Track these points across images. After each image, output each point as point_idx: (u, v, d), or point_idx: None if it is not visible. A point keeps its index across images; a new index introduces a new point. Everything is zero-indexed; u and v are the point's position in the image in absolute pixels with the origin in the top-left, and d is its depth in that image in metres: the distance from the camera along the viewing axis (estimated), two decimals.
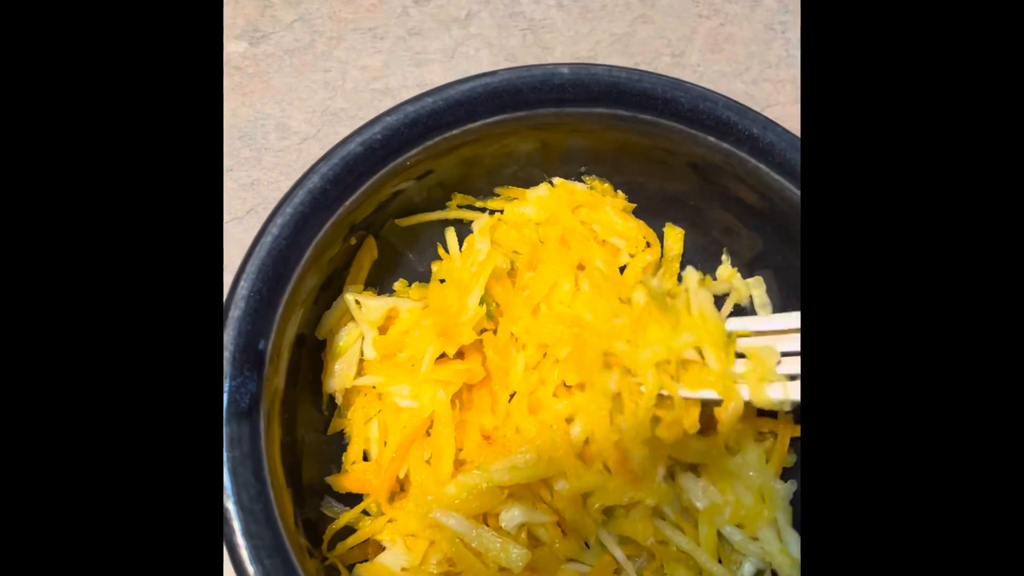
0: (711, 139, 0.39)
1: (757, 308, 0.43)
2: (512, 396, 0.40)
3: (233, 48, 0.51)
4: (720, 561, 0.40)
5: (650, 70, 0.53)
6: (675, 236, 0.44)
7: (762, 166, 0.39)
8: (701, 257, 0.45)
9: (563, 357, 0.38)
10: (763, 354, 0.36)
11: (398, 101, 0.51)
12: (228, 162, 0.49)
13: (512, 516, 0.37)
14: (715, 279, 0.44)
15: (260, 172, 0.49)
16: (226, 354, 0.34)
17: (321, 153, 0.49)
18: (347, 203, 0.37)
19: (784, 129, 0.39)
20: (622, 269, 0.43)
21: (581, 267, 0.42)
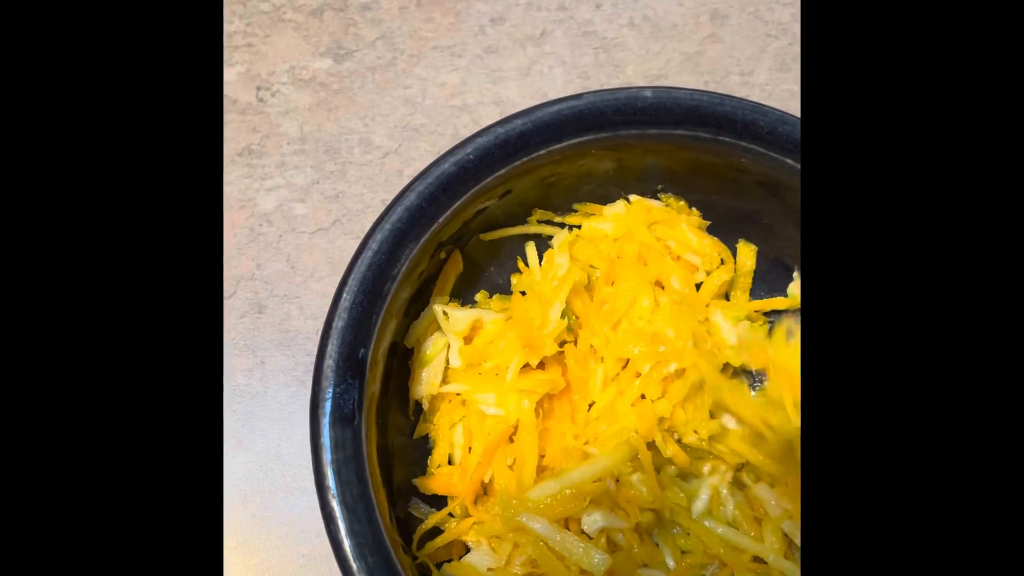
0: (789, 161, 0.40)
1: None
2: (591, 406, 0.41)
3: (319, 65, 0.53)
4: None
5: (719, 89, 0.55)
6: (748, 253, 0.45)
7: None
8: (773, 275, 0.46)
9: (645, 372, 0.40)
10: None
11: (475, 117, 0.53)
12: (314, 175, 0.51)
13: (594, 520, 0.39)
14: (786, 295, 0.45)
15: (344, 185, 0.51)
16: (329, 362, 0.36)
17: (402, 167, 0.52)
18: (440, 220, 0.39)
19: None
20: (697, 286, 0.45)
21: (659, 283, 0.44)
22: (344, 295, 0.37)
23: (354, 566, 0.33)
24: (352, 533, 0.34)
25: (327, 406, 0.35)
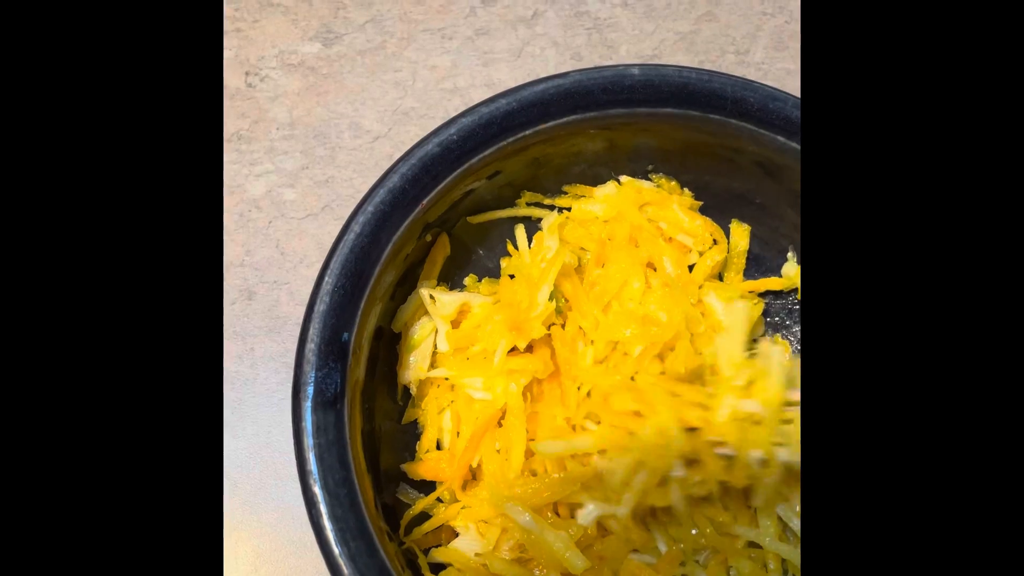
0: (780, 139, 0.40)
1: None
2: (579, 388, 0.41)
3: (308, 49, 0.53)
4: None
5: (715, 68, 0.54)
6: (741, 233, 0.45)
7: None
8: (767, 254, 0.45)
9: (636, 354, 0.39)
10: None
11: (467, 100, 0.53)
12: (304, 160, 0.51)
13: (588, 512, 0.38)
14: (780, 276, 0.45)
15: (334, 170, 0.51)
16: (311, 346, 0.36)
17: (392, 151, 0.52)
18: (424, 202, 0.38)
19: None
20: (690, 268, 0.44)
21: (651, 265, 0.43)
22: (326, 279, 0.36)
23: (336, 551, 0.33)
24: (334, 518, 0.33)
25: (309, 390, 0.35)
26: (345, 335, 0.36)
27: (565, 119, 0.40)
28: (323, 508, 0.33)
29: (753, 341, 0.45)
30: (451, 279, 0.44)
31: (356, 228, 0.37)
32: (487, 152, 0.39)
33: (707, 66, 0.54)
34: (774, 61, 0.54)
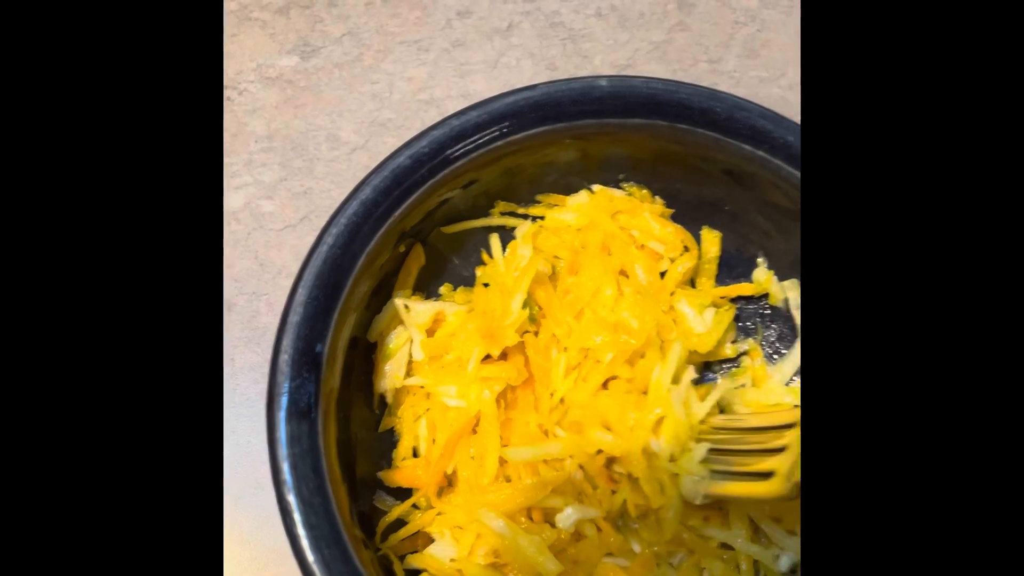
0: (747, 147, 0.40)
1: (791, 309, 0.45)
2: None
3: (285, 63, 0.53)
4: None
5: (687, 77, 0.54)
6: (712, 239, 0.45)
7: (797, 172, 0.40)
8: (738, 261, 0.46)
9: (607, 361, 0.40)
10: (694, 452, 0.39)
11: (443, 111, 0.53)
12: (282, 172, 0.51)
13: (567, 515, 0.39)
14: (751, 281, 0.45)
15: (312, 181, 0.51)
16: (285, 357, 0.36)
17: (369, 163, 0.52)
18: (396, 213, 0.39)
19: None
20: (662, 274, 0.45)
21: (623, 272, 0.44)
22: (299, 290, 0.37)
23: (310, 558, 0.34)
24: (308, 526, 0.34)
25: (283, 401, 0.35)
26: (319, 346, 0.37)
27: (535, 130, 0.40)
28: (297, 516, 0.34)
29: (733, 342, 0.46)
30: (427, 288, 0.45)
31: (329, 240, 0.38)
32: (458, 164, 0.40)
33: (680, 75, 0.55)
34: (746, 69, 0.55)
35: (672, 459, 0.39)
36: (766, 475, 0.35)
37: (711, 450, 0.39)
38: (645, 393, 0.41)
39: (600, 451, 0.40)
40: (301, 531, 0.34)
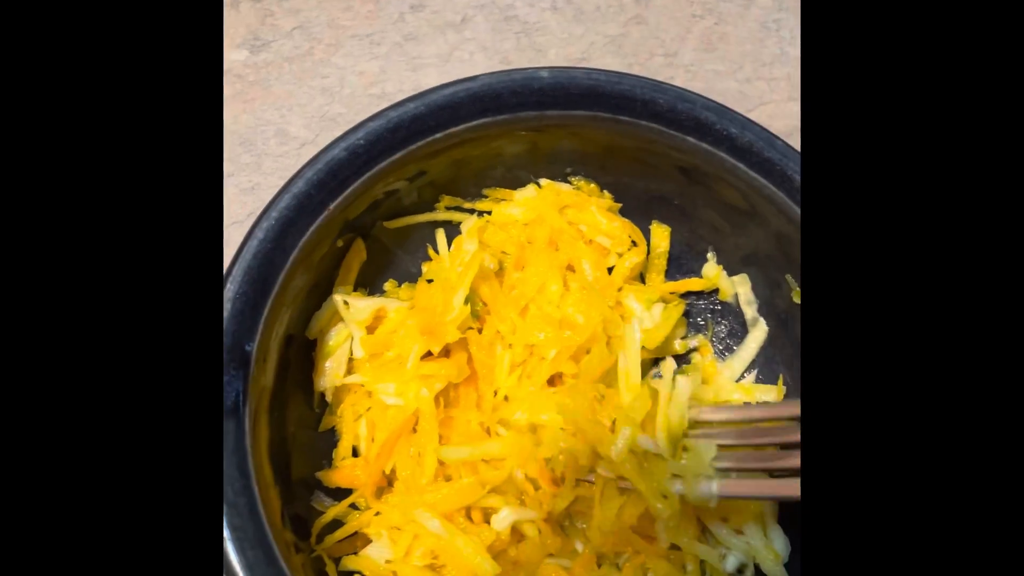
0: (691, 139, 0.40)
1: (742, 305, 0.44)
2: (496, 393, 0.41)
3: (235, 56, 0.53)
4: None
5: (644, 71, 0.54)
6: (661, 234, 0.45)
7: (740, 165, 0.39)
8: (687, 256, 0.45)
9: (551, 357, 0.39)
10: (701, 450, 0.36)
11: None
12: (229, 167, 0.50)
13: (503, 517, 0.38)
14: (700, 277, 0.45)
15: (260, 177, 0.50)
16: None
17: None
18: (331, 206, 0.38)
19: (762, 128, 0.39)
20: (610, 270, 0.44)
21: (570, 268, 0.43)
22: (228, 286, 0.36)
23: (233, 560, 0.33)
24: (232, 527, 0.33)
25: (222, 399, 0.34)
26: (248, 343, 0.36)
27: (475, 122, 0.40)
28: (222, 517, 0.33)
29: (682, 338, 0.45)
30: (372, 284, 0.44)
31: (259, 234, 0.37)
32: (396, 156, 0.39)
33: (636, 69, 0.54)
34: (703, 63, 0.54)
35: (669, 458, 0.37)
36: (791, 472, 0.34)
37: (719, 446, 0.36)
38: (608, 388, 0.40)
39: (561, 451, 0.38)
40: (225, 532, 0.33)
